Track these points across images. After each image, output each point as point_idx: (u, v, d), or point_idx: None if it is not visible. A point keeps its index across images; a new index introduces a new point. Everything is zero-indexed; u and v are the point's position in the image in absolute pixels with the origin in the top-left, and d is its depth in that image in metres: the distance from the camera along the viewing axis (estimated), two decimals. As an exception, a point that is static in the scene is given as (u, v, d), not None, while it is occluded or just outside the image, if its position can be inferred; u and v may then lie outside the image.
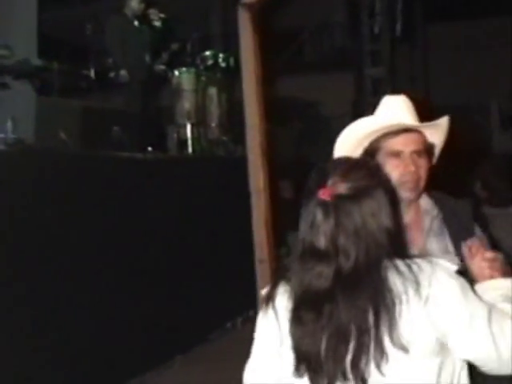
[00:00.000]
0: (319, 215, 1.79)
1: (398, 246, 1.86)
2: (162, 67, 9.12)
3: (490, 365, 1.83)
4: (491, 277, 2.07)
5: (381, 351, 1.72)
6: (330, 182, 1.82)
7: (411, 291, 1.75)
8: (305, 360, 1.80)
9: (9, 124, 6.00)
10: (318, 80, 13.43)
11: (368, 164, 2.01)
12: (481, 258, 2.13)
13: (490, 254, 2.14)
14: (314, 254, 1.80)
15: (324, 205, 1.79)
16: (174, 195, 7.23)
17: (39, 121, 6.78)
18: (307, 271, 1.80)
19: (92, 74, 9.02)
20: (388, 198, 1.84)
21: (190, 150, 8.73)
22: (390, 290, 1.75)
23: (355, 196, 1.80)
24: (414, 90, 16.48)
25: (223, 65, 9.88)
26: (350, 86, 14.28)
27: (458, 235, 2.47)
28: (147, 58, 8.94)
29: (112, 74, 8.71)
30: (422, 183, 2.47)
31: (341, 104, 13.61)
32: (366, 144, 2.47)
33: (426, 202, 2.56)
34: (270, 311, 1.92)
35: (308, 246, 1.82)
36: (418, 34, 16.99)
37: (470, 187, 5.02)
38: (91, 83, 8.98)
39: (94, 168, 6.28)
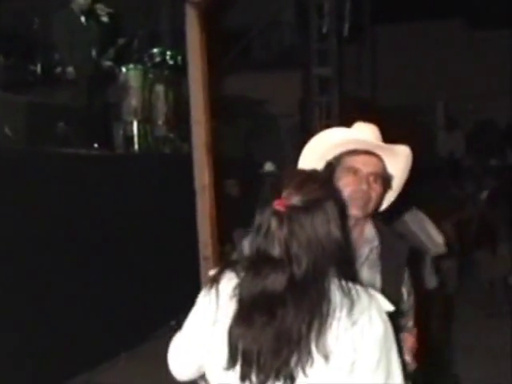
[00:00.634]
0: (274, 224, 1.89)
1: (345, 257, 1.97)
2: (109, 63, 9.05)
3: None
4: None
5: (307, 354, 1.82)
6: (284, 194, 1.91)
7: (344, 311, 1.86)
8: (240, 355, 1.87)
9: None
10: (266, 78, 13.46)
11: (321, 177, 2.11)
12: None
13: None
14: (267, 261, 1.89)
15: (278, 215, 1.88)
16: (120, 192, 7.21)
17: (-17, 116, 6.68)
18: (261, 276, 1.88)
19: (38, 69, 8.93)
20: (338, 211, 1.94)
21: (136, 146, 8.72)
22: (329, 301, 1.86)
23: (308, 208, 1.88)
24: (361, 90, 16.69)
25: (171, 62, 9.87)
26: (297, 85, 14.35)
27: (388, 274, 2.56)
28: (94, 54, 8.86)
29: (58, 70, 8.62)
30: (372, 206, 2.53)
31: (288, 103, 13.70)
32: (329, 157, 2.56)
33: (369, 230, 2.61)
34: (213, 292, 1.99)
35: (262, 253, 1.90)
36: (365, 34, 17.18)
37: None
38: (37, 78, 8.89)
39: (38, 164, 6.22)
